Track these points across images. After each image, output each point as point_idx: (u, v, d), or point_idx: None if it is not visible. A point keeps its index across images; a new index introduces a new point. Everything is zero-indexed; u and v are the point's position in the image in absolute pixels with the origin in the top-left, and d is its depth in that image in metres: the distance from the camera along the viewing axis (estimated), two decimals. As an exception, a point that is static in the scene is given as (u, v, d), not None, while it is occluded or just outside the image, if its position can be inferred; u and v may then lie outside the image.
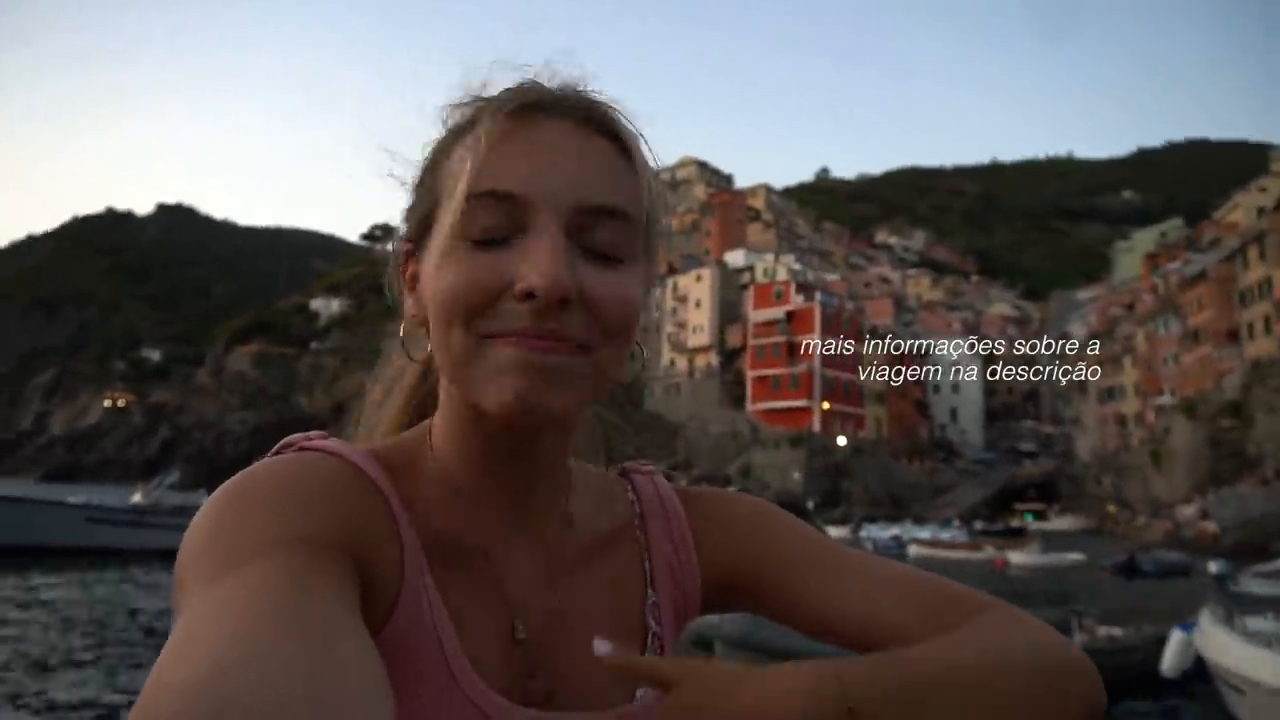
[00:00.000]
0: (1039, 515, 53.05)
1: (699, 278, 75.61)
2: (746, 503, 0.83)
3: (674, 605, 0.78)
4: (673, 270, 77.38)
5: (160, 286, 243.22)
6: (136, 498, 29.33)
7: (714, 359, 71.91)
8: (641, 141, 0.67)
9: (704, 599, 0.80)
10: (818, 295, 68.36)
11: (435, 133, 0.68)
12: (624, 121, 0.67)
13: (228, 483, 0.57)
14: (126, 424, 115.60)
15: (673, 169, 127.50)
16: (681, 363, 73.90)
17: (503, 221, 0.61)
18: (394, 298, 0.72)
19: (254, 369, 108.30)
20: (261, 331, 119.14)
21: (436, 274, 0.63)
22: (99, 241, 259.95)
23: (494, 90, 0.66)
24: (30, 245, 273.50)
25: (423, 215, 0.67)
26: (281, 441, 0.64)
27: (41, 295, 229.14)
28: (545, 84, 0.66)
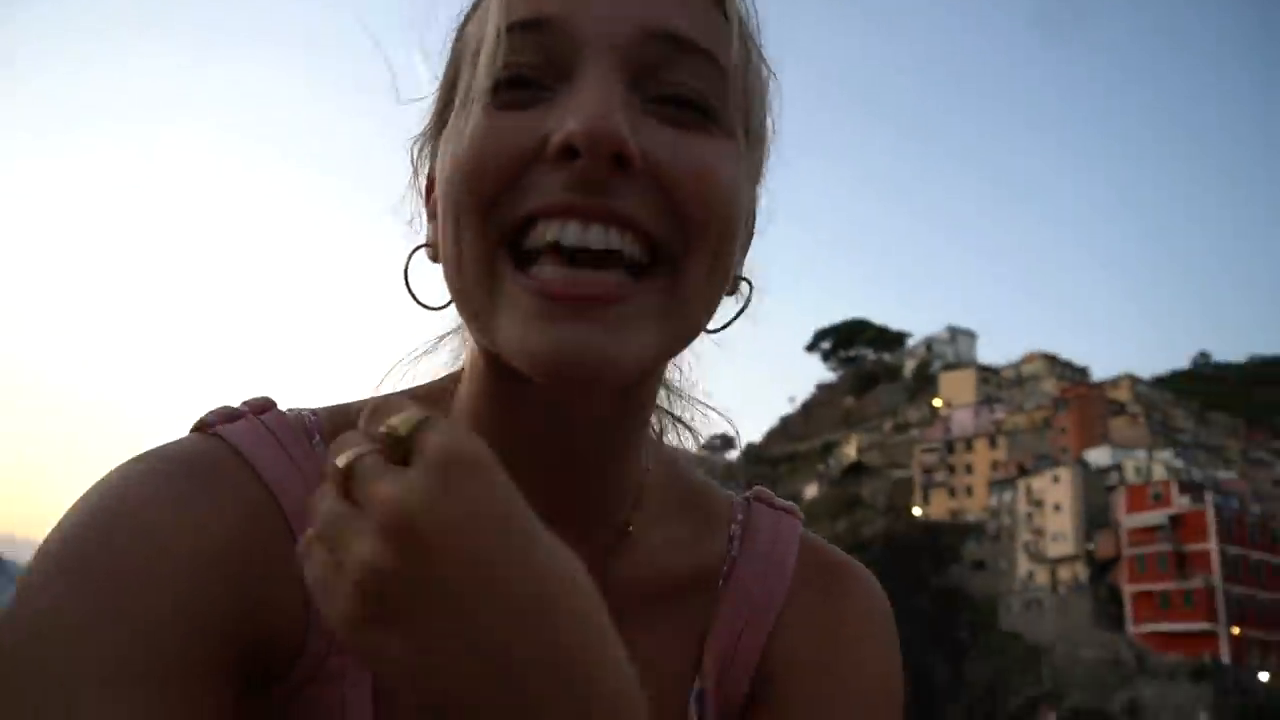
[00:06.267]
0: None
1: (1056, 478, 68.81)
2: (878, 605, 0.63)
3: (725, 699, 0.58)
4: (1024, 471, 71.66)
5: None
6: None
7: (1080, 570, 63.74)
8: None
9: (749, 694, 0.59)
10: (1209, 496, 59.37)
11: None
12: None
13: (106, 485, 0.44)
14: None
15: (1017, 365, 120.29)
16: (1042, 575, 66.21)
17: (539, 60, 0.42)
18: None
19: None
20: None
21: (449, 150, 0.45)
22: None
23: None
24: None
25: (441, 99, 0.51)
26: (211, 411, 0.50)
27: None
28: None
